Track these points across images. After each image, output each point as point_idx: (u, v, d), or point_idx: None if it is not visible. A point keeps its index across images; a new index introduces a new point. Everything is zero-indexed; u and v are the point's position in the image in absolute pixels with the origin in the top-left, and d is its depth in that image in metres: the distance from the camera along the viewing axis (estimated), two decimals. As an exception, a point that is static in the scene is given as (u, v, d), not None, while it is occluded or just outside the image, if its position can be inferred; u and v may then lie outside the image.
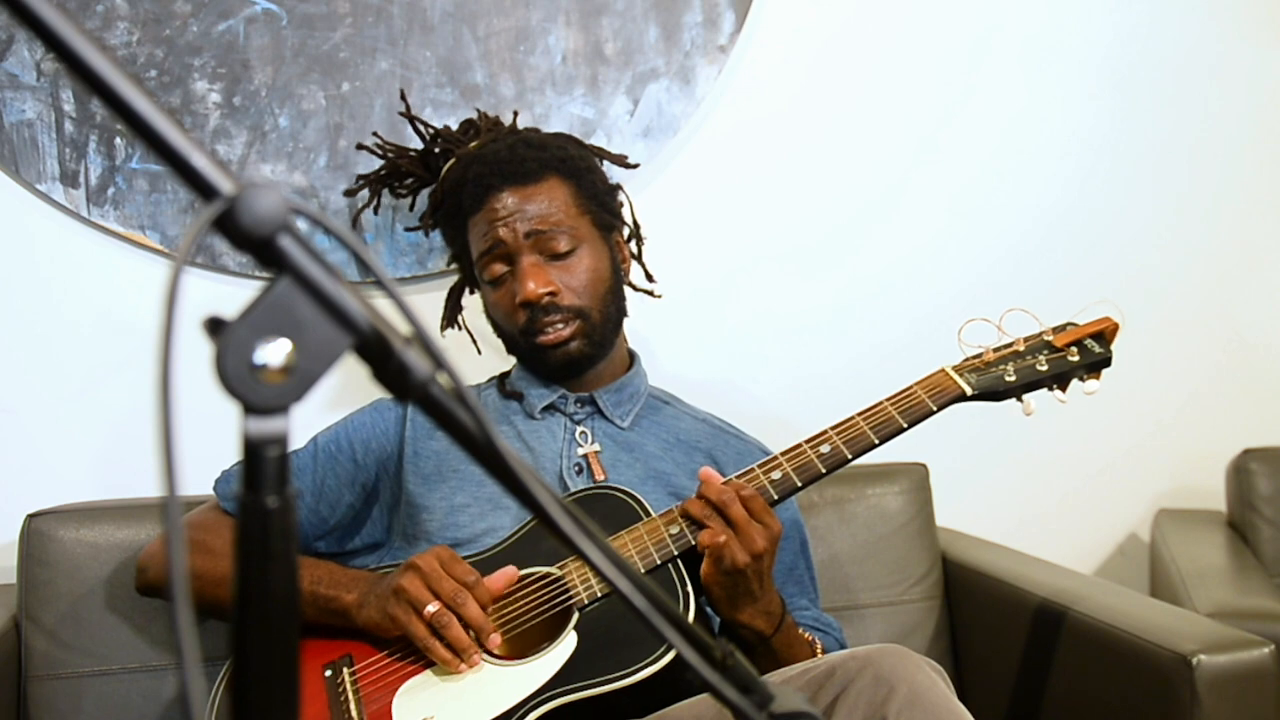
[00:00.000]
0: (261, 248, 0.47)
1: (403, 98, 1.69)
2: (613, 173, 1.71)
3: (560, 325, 1.38)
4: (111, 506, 1.59)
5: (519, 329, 1.39)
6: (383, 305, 0.50)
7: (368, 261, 0.50)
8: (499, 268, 1.40)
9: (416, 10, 1.78)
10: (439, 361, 0.51)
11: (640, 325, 1.68)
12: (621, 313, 1.47)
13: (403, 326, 0.50)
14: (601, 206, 1.45)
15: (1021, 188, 2.05)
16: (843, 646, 1.43)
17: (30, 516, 1.55)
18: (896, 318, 1.99)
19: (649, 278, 1.60)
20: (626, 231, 1.53)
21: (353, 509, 1.43)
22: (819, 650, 1.32)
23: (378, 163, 1.67)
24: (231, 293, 1.77)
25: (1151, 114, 2.10)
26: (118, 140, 1.71)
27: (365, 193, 1.69)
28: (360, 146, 1.70)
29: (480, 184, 1.40)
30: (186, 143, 0.47)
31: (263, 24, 1.73)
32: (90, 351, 1.73)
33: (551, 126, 1.81)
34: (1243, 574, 1.81)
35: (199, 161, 0.47)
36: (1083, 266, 2.06)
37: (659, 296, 1.60)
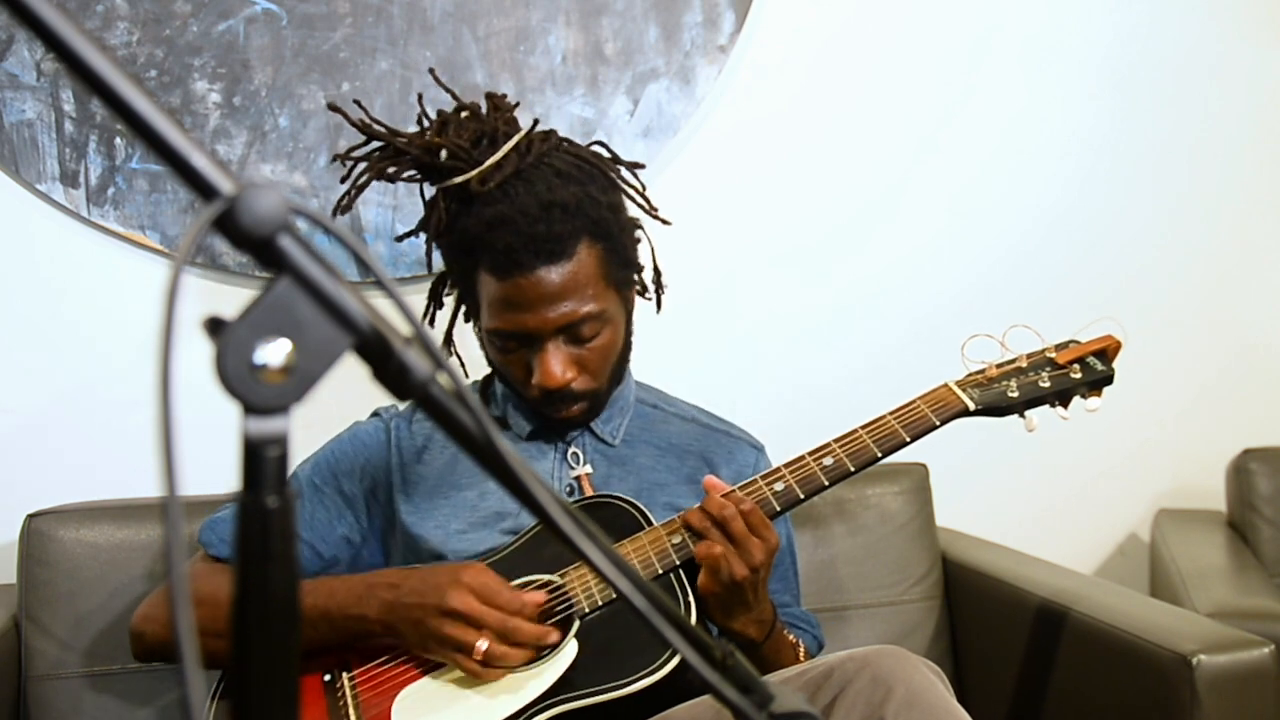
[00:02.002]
0: (261, 248, 0.47)
1: (419, 102, 1.50)
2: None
3: (570, 406, 1.34)
4: (111, 506, 1.59)
5: (527, 398, 1.36)
6: (383, 305, 0.50)
7: (368, 261, 0.50)
8: (515, 343, 1.31)
9: (416, 10, 1.78)
10: (439, 362, 0.51)
11: (639, 326, 1.68)
12: (626, 364, 1.42)
13: (403, 326, 0.50)
14: (625, 265, 1.36)
15: (1021, 188, 2.05)
16: (820, 644, 1.45)
17: (30, 516, 1.55)
18: (898, 318, 1.99)
19: (643, 295, 1.50)
20: (637, 275, 1.43)
21: (347, 541, 1.40)
22: (802, 653, 1.34)
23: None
24: (231, 293, 1.77)
25: (1151, 114, 2.10)
26: (118, 140, 1.71)
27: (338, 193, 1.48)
28: (333, 108, 1.44)
29: (510, 258, 1.26)
30: (186, 143, 0.47)
31: (263, 24, 1.73)
32: (90, 351, 1.73)
33: (551, 126, 1.80)
34: (1243, 574, 1.81)
35: (199, 161, 0.47)
36: (1083, 267, 2.06)
37: (649, 299, 1.59)
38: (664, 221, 1.50)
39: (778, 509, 1.26)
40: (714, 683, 0.56)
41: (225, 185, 0.47)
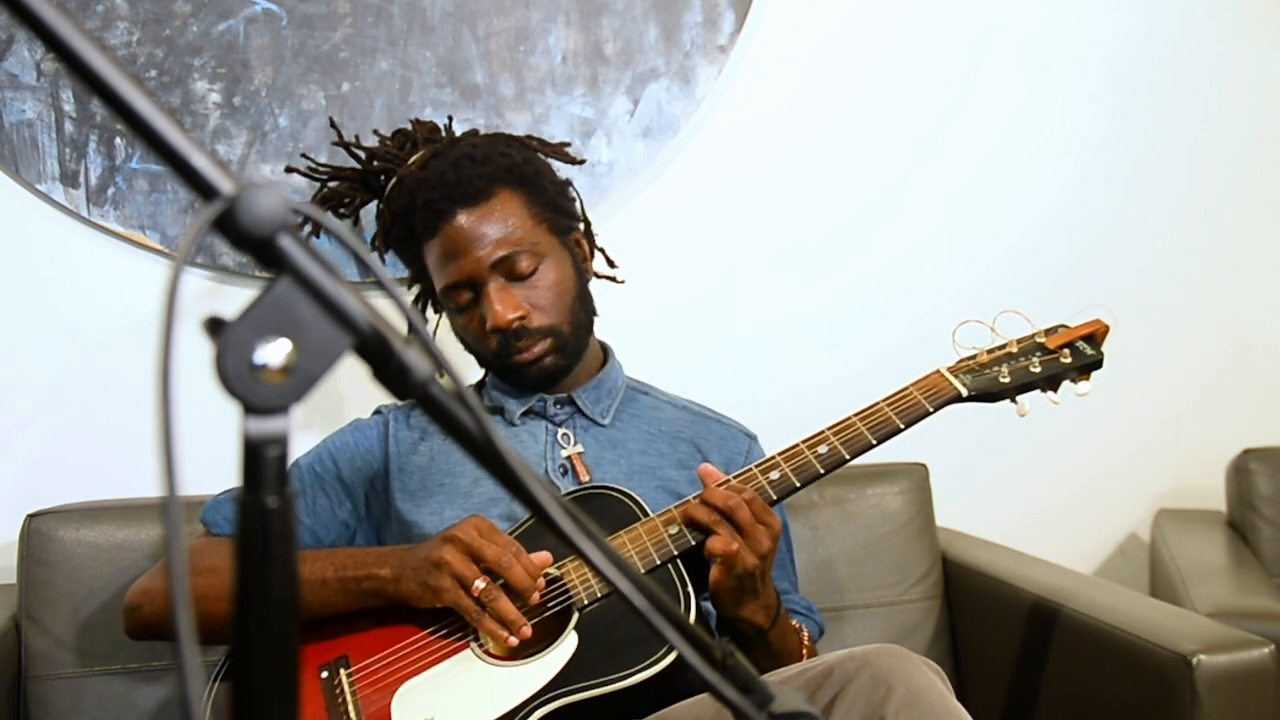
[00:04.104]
0: (261, 248, 0.47)
1: (332, 124, 1.67)
2: (567, 169, 1.71)
3: (532, 346, 1.38)
4: (111, 506, 1.59)
5: (492, 353, 1.39)
6: (383, 305, 0.50)
7: (368, 261, 0.50)
8: (466, 295, 1.39)
9: (416, 10, 1.78)
10: (439, 361, 0.51)
11: (639, 325, 1.68)
12: (591, 315, 1.46)
13: (403, 326, 0.50)
14: (556, 210, 1.43)
15: (1021, 188, 2.05)
16: (821, 629, 1.46)
17: (30, 516, 1.55)
18: (898, 318, 1.99)
19: (610, 264, 1.59)
20: (582, 226, 1.52)
21: (347, 527, 1.43)
22: (805, 638, 1.35)
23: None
24: (231, 293, 1.77)
25: (1151, 114, 2.10)
26: (118, 140, 1.71)
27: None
28: (289, 169, 1.68)
29: (431, 209, 1.38)
30: (186, 143, 0.47)
31: (263, 24, 1.73)
32: (90, 351, 1.73)
33: (551, 126, 1.81)
34: (1243, 574, 1.81)
35: (199, 161, 0.47)
36: (1083, 267, 2.06)
37: (622, 282, 1.60)
38: (578, 161, 1.65)
39: (774, 498, 1.26)
40: (714, 682, 0.56)
41: (225, 185, 0.47)
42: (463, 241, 1.36)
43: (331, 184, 1.64)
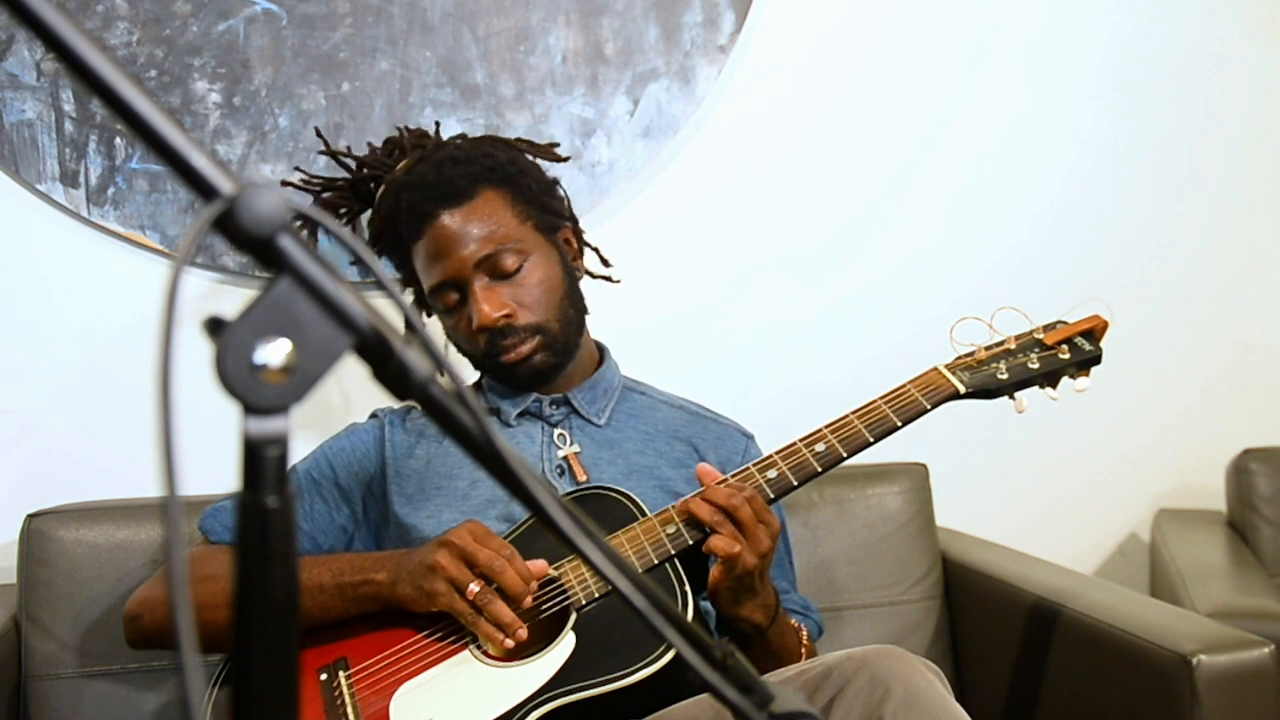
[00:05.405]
0: (261, 248, 0.47)
1: (319, 134, 1.67)
2: (555, 168, 1.70)
3: (520, 344, 1.37)
4: (111, 506, 1.59)
5: (481, 352, 1.40)
6: (383, 305, 0.50)
7: (368, 261, 0.50)
8: (452, 296, 1.39)
9: (416, 10, 1.78)
10: (439, 362, 0.51)
11: (639, 326, 1.68)
12: (581, 313, 1.45)
13: (403, 326, 0.50)
14: (542, 208, 1.43)
15: (1021, 188, 2.05)
16: (820, 628, 1.46)
17: (30, 516, 1.55)
18: (899, 319, 1.99)
19: (604, 263, 1.59)
20: (571, 225, 1.51)
21: (344, 532, 1.43)
22: (804, 636, 1.35)
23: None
24: (231, 293, 1.77)
25: (1151, 114, 2.10)
26: (118, 140, 1.71)
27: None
28: (284, 184, 1.67)
29: (415, 212, 1.38)
30: (186, 143, 0.47)
31: (263, 24, 1.73)
32: (89, 351, 1.73)
33: (551, 126, 1.81)
34: (1243, 574, 1.81)
35: (199, 161, 0.47)
36: (1083, 267, 2.06)
37: (617, 281, 1.59)
38: (561, 159, 1.62)
39: (772, 496, 1.26)
40: (714, 682, 0.56)
41: (225, 185, 0.47)
42: (446, 241, 1.37)
43: (325, 195, 1.63)
